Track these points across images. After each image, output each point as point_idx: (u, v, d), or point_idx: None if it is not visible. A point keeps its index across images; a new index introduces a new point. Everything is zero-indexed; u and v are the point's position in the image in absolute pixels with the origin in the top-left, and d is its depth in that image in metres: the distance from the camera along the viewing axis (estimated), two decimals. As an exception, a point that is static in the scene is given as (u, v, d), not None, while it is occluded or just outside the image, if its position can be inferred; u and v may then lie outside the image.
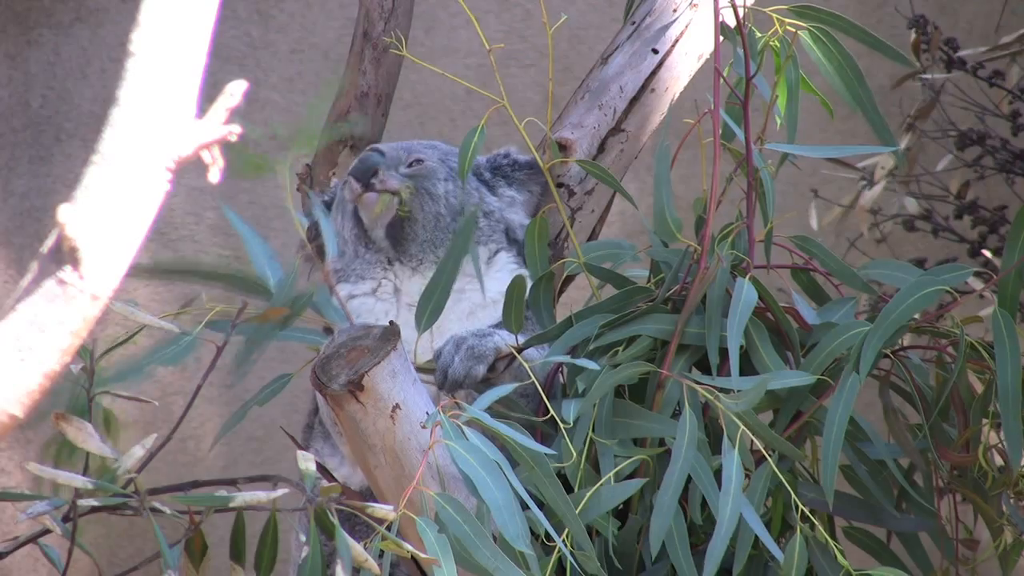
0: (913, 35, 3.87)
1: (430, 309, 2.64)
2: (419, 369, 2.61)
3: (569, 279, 2.94)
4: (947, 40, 3.90)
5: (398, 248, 2.80)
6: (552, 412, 2.52)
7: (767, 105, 2.69)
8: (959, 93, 4.03)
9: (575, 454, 2.51)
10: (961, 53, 3.90)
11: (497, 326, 2.71)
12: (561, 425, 2.51)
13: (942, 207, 4.05)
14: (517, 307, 2.62)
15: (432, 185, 2.81)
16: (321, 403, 2.73)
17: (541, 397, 2.56)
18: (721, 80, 2.61)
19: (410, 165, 2.82)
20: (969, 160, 3.99)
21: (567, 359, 2.55)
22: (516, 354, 2.61)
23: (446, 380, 2.61)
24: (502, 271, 2.80)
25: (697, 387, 2.50)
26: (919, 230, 4.01)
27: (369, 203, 2.78)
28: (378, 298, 2.81)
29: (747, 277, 2.55)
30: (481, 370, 2.61)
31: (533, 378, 2.55)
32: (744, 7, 2.61)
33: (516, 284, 2.62)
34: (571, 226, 2.89)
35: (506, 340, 2.64)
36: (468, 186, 2.84)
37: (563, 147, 2.90)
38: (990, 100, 4.00)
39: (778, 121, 2.72)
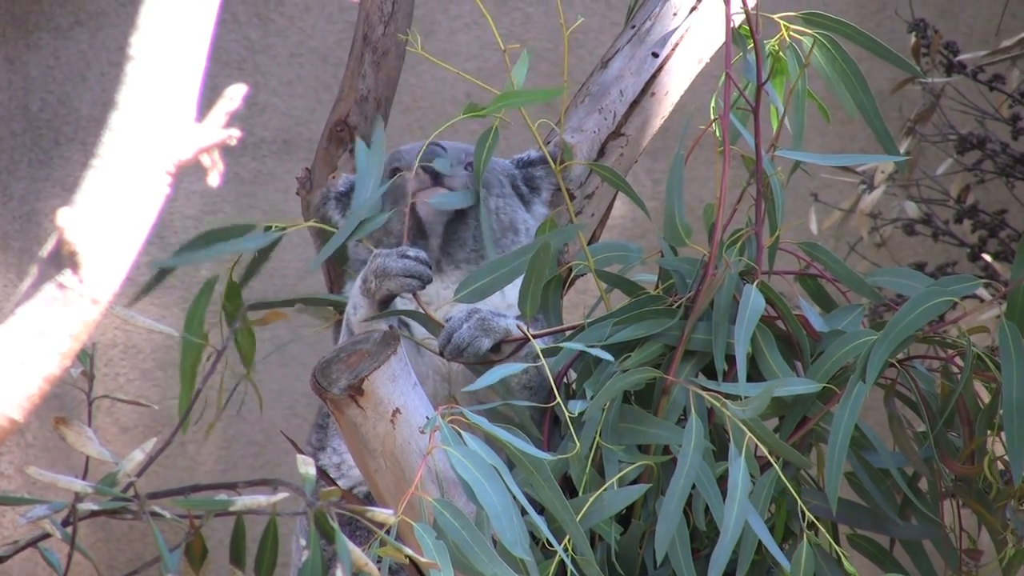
0: (913, 39, 3.87)
1: (479, 285, 2.63)
2: (424, 317, 2.60)
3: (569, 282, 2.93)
4: (947, 44, 3.90)
5: (447, 248, 2.77)
6: (559, 399, 2.49)
7: (777, 112, 2.67)
8: (959, 97, 4.03)
9: (578, 445, 2.48)
10: (961, 57, 3.89)
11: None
12: (565, 423, 2.49)
13: (942, 211, 4.05)
14: (535, 288, 2.57)
15: (487, 197, 2.79)
16: None
17: (549, 387, 2.53)
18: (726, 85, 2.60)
19: (467, 168, 2.80)
20: (969, 164, 3.98)
21: (581, 347, 2.52)
22: (528, 336, 2.57)
23: (449, 343, 2.58)
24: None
25: (703, 393, 2.49)
26: (919, 234, 4.00)
27: (436, 197, 2.75)
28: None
29: (755, 283, 2.54)
30: (486, 343, 2.58)
31: (542, 358, 2.51)
32: (756, 12, 2.60)
33: (537, 258, 2.57)
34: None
35: (520, 326, 2.62)
36: (511, 202, 2.82)
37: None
38: (990, 104, 3.99)
39: (774, 125, 2.71)
